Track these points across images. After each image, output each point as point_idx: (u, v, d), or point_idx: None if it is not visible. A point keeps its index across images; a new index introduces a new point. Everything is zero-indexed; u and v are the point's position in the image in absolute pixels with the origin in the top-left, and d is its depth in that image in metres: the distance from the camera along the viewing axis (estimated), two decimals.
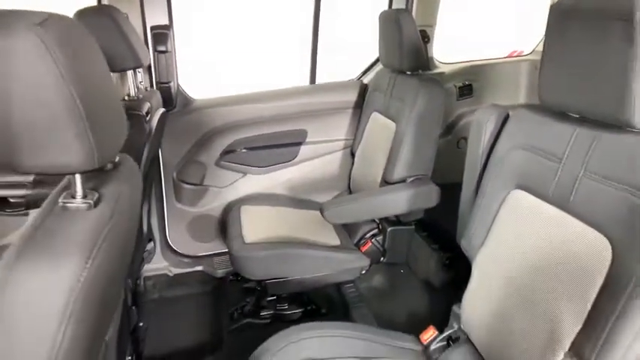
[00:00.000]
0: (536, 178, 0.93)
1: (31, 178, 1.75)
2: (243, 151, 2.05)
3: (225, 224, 2.01)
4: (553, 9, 0.86)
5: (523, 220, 0.95)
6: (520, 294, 0.92)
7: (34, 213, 1.81)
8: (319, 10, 2.05)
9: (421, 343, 1.17)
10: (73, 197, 0.60)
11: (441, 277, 1.65)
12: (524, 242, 0.93)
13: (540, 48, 1.10)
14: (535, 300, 0.88)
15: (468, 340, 1.09)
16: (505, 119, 1.06)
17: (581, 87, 0.82)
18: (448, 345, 1.14)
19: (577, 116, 0.88)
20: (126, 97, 1.42)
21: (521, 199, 0.96)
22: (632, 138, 0.77)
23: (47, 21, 0.51)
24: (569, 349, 0.79)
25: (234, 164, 2.06)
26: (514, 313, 0.93)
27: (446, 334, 1.15)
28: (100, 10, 1.27)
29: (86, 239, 0.56)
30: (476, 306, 1.05)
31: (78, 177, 0.59)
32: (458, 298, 1.13)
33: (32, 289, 0.51)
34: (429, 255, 1.73)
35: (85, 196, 0.60)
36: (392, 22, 1.68)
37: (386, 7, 2.12)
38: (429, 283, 1.72)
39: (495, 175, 1.04)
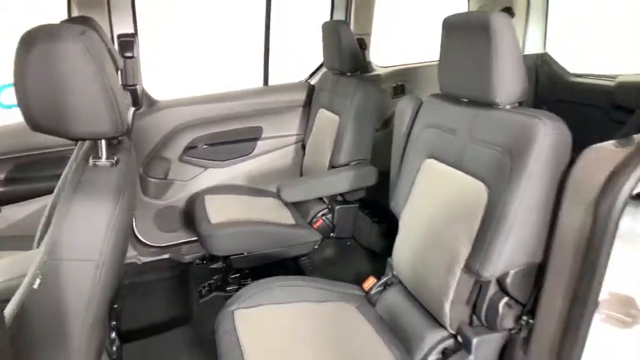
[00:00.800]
0: (440, 148, 1.24)
1: (2, 175, 1.87)
2: (205, 146, 2.26)
3: (189, 214, 2.20)
4: (444, 23, 1.17)
5: (432, 180, 1.26)
6: (432, 235, 1.21)
7: (4, 210, 1.93)
8: (269, 21, 2.32)
9: (363, 290, 1.44)
10: (100, 158, 0.82)
11: (381, 245, 1.95)
12: (434, 196, 1.24)
13: None
14: (442, 238, 1.17)
15: (399, 282, 1.38)
16: (420, 106, 1.37)
17: (465, 78, 1.13)
18: (385, 289, 1.42)
19: (466, 100, 1.20)
20: None
21: (431, 165, 1.27)
22: (498, 113, 1.08)
23: (85, 32, 0.74)
24: (464, 267, 1.09)
25: (196, 159, 2.25)
26: (428, 251, 1.22)
27: (383, 280, 1.42)
28: (81, 20, 1.45)
29: (116, 187, 0.79)
30: (402, 252, 1.34)
31: (104, 142, 0.82)
32: (392, 253, 1.42)
33: (85, 217, 0.73)
34: (370, 227, 2.03)
35: (108, 158, 0.83)
36: (333, 32, 1.98)
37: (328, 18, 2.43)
38: (371, 251, 2.02)
39: (413, 149, 1.34)
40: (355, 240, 2.09)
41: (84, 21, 1.45)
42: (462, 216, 1.12)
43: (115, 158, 0.84)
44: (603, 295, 0.88)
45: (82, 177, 0.78)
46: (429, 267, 1.20)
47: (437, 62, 1.24)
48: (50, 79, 0.72)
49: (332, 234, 1.99)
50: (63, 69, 0.71)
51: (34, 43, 0.70)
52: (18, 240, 1.55)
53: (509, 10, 2.26)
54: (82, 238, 0.73)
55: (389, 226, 1.92)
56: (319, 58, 2.41)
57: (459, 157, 1.17)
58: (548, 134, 0.95)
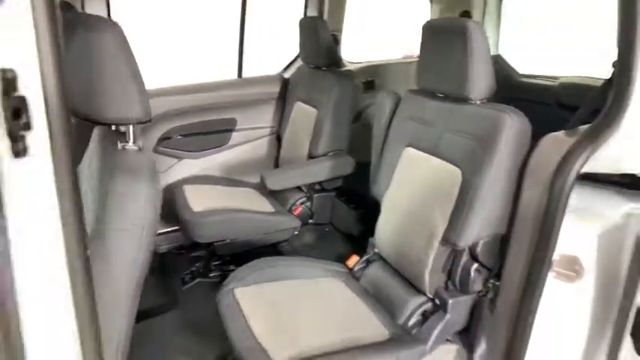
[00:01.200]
0: (418, 138, 1.40)
1: None
2: (179, 137, 2.29)
3: (165, 205, 2.22)
4: (424, 27, 1.33)
5: (412, 166, 1.42)
6: (412, 214, 1.38)
7: None
8: (245, 14, 2.38)
9: (347, 267, 1.58)
10: (127, 142, 0.89)
11: (358, 229, 2.10)
12: (413, 180, 1.40)
13: None
14: (421, 216, 1.34)
15: (381, 258, 1.53)
16: (398, 100, 1.53)
17: (442, 76, 1.30)
18: (367, 266, 1.57)
19: (442, 95, 1.37)
20: None
21: (411, 153, 1.43)
22: (470, 107, 1.26)
23: (115, 23, 0.82)
24: (441, 240, 1.26)
25: (171, 150, 2.28)
26: (408, 228, 1.38)
27: (365, 257, 1.57)
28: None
29: (149, 168, 0.86)
30: (384, 231, 1.50)
31: (131, 128, 0.89)
32: (372, 234, 1.56)
33: (128, 193, 0.81)
34: (347, 213, 2.18)
35: (133, 142, 0.90)
36: (310, 27, 2.09)
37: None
38: (349, 235, 2.16)
39: (394, 139, 1.50)
40: (333, 225, 2.23)
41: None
42: (439, 196, 1.29)
43: (140, 143, 0.92)
44: (555, 257, 1.08)
45: (117, 160, 0.85)
46: (410, 242, 1.36)
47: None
48: (87, 66, 0.78)
49: (310, 221, 2.11)
50: (100, 57, 0.78)
51: (73, 33, 0.76)
52: None
53: (467, 14, 2.48)
54: (125, 214, 0.80)
55: (365, 212, 2.07)
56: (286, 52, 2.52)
57: (436, 146, 1.34)
58: (513, 126, 1.14)
